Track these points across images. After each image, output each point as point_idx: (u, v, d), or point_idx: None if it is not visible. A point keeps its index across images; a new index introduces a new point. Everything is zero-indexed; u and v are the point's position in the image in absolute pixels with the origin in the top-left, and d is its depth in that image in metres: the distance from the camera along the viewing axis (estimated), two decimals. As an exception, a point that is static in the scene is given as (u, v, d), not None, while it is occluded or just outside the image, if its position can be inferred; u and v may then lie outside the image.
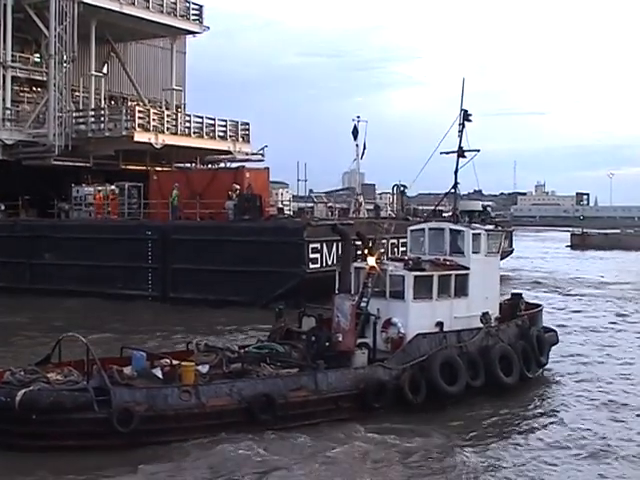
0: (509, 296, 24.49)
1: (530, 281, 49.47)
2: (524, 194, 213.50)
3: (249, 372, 18.20)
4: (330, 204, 48.01)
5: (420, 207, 51.05)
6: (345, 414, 17.82)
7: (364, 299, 20.03)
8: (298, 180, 49.01)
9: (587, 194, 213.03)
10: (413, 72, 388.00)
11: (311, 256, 35.62)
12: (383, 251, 23.74)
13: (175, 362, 17.43)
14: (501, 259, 46.47)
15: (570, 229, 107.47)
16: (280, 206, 42.57)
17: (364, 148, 46.07)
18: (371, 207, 49.31)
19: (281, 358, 19.28)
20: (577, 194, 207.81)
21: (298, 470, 15.13)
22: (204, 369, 18.04)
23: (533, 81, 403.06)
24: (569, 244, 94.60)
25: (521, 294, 24.45)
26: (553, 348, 23.82)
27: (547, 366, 23.11)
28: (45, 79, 48.15)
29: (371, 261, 20.08)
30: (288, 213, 43.15)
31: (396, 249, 37.42)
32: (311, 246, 35.59)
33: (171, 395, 16.19)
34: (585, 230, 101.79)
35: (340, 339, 19.00)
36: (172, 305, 36.63)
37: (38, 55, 50.11)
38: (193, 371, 17.35)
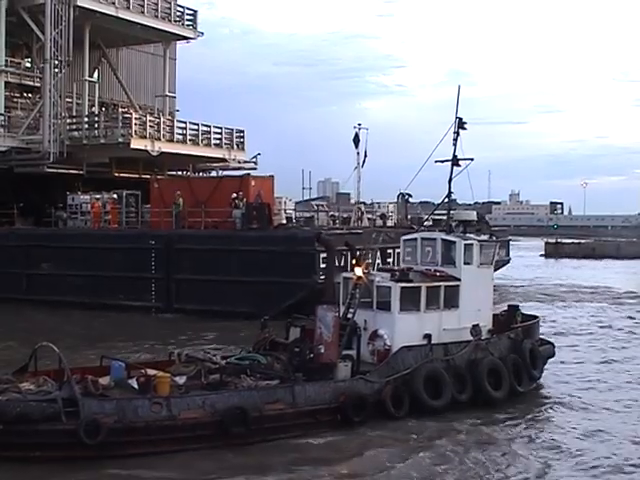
0: (505, 307, 24.01)
1: (513, 292, 49.30)
2: (498, 203, 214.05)
3: (227, 384, 17.84)
4: (332, 213, 47.43)
5: (425, 216, 50.27)
6: (324, 428, 17.39)
7: (351, 310, 19.55)
8: (303, 188, 48.67)
9: (561, 203, 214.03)
10: (391, 81, 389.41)
11: (322, 266, 34.78)
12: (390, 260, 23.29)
13: (153, 372, 17.23)
14: (497, 269, 46.01)
15: (544, 238, 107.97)
16: (289, 215, 41.85)
17: (365, 156, 45.63)
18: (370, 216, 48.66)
19: (262, 370, 18.88)
20: (551, 203, 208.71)
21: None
22: (181, 380, 17.82)
23: (508, 91, 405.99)
24: (543, 253, 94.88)
25: (517, 306, 24.05)
26: (550, 361, 23.23)
27: (542, 380, 22.46)
28: (36, 84, 47.31)
29: (358, 271, 19.66)
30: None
31: (400, 258, 36.92)
32: (322, 256, 34.76)
33: (142, 407, 15.92)
34: (559, 239, 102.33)
35: (322, 351, 18.56)
36: (176, 316, 35.81)
37: (29, 60, 49.03)
38: (168, 382, 17.14)
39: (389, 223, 46.82)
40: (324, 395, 17.64)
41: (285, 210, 41.25)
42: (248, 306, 33.90)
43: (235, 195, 38.80)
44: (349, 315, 19.49)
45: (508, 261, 55.99)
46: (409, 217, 48.26)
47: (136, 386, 16.97)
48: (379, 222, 45.26)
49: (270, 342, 20.46)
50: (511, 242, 59.44)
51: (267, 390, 17.54)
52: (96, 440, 15.06)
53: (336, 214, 47.04)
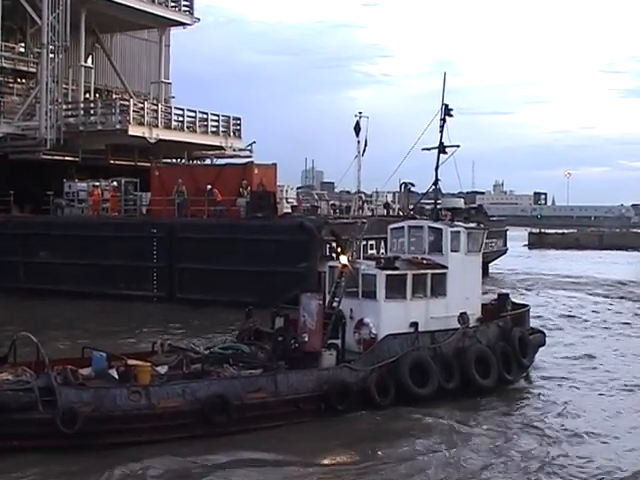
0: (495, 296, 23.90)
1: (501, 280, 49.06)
2: (482, 193, 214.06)
3: (209, 373, 17.70)
4: (332, 202, 47.07)
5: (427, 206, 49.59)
6: (307, 417, 17.21)
7: (336, 298, 19.33)
8: (306, 177, 48.03)
9: (545, 194, 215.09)
10: (377, 70, 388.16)
11: (328, 255, 34.42)
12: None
13: (135, 362, 17.11)
14: (494, 259, 45.69)
15: (528, 228, 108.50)
16: (291, 203, 41.40)
17: (365, 145, 45.02)
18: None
19: (245, 359, 18.72)
20: (535, 193, 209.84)
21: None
22: (163, 370, 17.69)
23: (494, 81, 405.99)
24: (526, 243, 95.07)
25: (508, 294, 23.90)
26: (541, 350, 23.11)
27: (532, 369, 22.32)
28: (31, 70, 46.69)
29: (343, 260, 19.50)
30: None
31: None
32: (328, 245, 34.39)
33: (120, 396, 15.75)
34: (542, 229, 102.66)
35: (306, 339, 18.37)
36: (179, 306, 35.25)
37: (23, 45, 48.20)
38: (149, 372, 17.01)
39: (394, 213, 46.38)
40: (307, 383, 17.47)
41: (287, 199, 40.95)
42: (252, 296, 33.35)
43: (210, 186, 38.29)
44: (335, 304, 19.24)
45: (505, 251, 55.92)
46: (411, 206, 47.87)
47: (116, 376, 16.85)
48: (382, 211, 45.07)
49: (255, 331, 20.30)
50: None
51: (249, 379, 17.36)
52: (74, 429, 14.93)
53: (337, 203, 46.87)
